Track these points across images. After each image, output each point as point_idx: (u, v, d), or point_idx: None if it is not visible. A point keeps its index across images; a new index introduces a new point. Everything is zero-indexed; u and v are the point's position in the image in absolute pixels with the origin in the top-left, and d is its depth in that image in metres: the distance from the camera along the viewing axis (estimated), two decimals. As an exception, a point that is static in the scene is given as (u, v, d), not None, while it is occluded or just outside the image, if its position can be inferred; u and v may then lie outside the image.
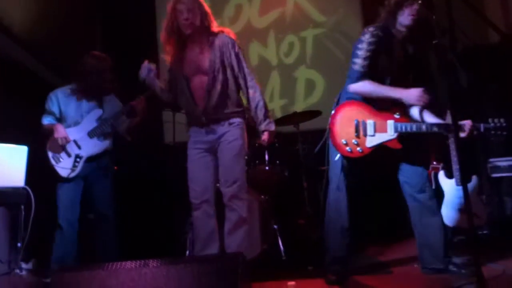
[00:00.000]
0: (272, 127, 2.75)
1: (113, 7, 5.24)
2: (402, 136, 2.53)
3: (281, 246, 3.38)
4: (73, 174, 3.18)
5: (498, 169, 3.85)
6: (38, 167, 2.93)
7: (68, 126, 3.25)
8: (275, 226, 3.42)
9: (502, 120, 2.48)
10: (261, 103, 2.69)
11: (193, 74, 2.65)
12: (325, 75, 5.19)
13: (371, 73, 2.54)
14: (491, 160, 3.93)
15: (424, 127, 2.49)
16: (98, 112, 3.30)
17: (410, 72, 2.63)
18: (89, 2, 5.15)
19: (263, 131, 2.74)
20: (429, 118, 2.60)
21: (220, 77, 2.62)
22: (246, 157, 3.68)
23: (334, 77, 4.93)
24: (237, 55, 2.66)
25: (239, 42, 2.73)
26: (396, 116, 2.53)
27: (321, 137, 3.08)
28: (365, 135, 2.53)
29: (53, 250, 3.12)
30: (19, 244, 2.50)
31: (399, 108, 2.56)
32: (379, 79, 2.55)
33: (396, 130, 2.50)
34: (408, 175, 2.66)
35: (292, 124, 4.02)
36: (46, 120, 3.27)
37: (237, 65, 2.67)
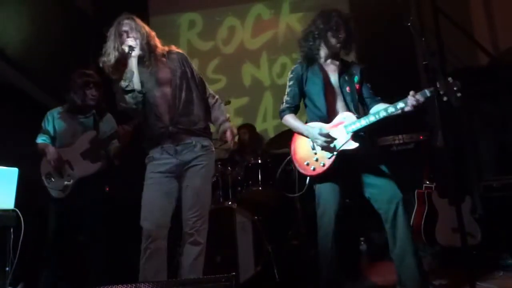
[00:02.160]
0: (235, 130, 2.69)
1: (107, 28, 5.27)
2: (357, 136, 2.56)
3: (275, 268, 3.33)
4: (64, 195, 3.15)
5: (491, 188, 3.86)
6: (28, 189, 2.89)
7: (62, 146, 3.24)
8: (269, 247, 3.38)
9: (449, 78, 2.31)
10: (223, 107, 2.77)
11: (153, 88, 2.53)
12: (317, 95, 5.23)
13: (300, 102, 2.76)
14: (484, 179, 3.94)
15: (371, 117, 2.50)
16: (92, 133, 3.28)
17: (340, 92, 2.69)
18: (82, 23, 5.19)
19: (226, 130, 2.64)
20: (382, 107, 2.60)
21: (184, 86, 2.56)
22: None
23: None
24: (194, 69, 2.70)
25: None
26: (343, 119, 2.59)
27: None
28: (322, 149, 2.57)
29: (44, 274, 3.06)
30: (7, 268, 2.44)
31: (345, 112, 2.63)
32: (315, 104, 2.68)
33: (347, 132, 2.55)
34: (378, 191, 2.56)
35: (285, 145, 4.02)
36: (40, 139, 3.27)
37: (197, 77, 2.69)
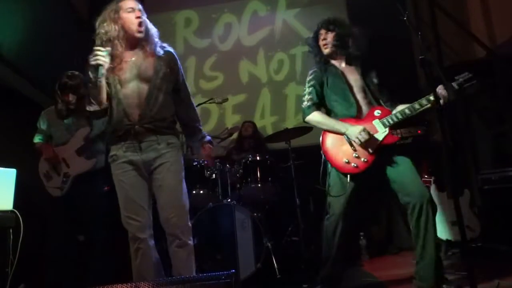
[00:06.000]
0: (213, 143, 2.67)
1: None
2: (394, 129, 2.57)
3: (275, 264, 3.34)
4: (62, 193, 3.16)
5: (489, 181, 3.87)
6: (27, 190, 2.89)
7: (57, 145, 3.25)
8: (269, 244, 3.38)
9: (466, 73, 2.52)
10: (200, 122, 2.66)
11: (131, 80, 2.39)
12: (315, 91, 5.23)
13: (323, 102, 2.76)
14: (482, 172, 3.96)
15: (407, 110, 2.54)
16: (85, 130, 3.28)
17: (363, 91, 2.71)
18: (78, 22, 5.17)
19: (205, 144, 2.61)
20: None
21: (164, 87, 2.43)
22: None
23: (324, 93, 4.98)
24: (182, 73, 2.58)
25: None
26: (377, 114, 2.60)
27: (313, 153, 3.09)
28: (361, 145, 2.56)
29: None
30: (7, 269, 2.44)
31: (377, 106, 2.64)
32: (343, 103, 2.68)
33: (385, 125, 2.56)
34: (406, 184, 2.55)
35: (283, 141, 4.02)
36: (37, 139, 3.31)
37: (182, 82, 2.57)
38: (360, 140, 2.50)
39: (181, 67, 2.58)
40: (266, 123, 5.30)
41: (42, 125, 3.33)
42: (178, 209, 2.39)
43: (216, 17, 5.67)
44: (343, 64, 2.80)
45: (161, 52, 2.48)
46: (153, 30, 2.50)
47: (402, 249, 4.23)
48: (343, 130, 2.59)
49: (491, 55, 4.35)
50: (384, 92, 2.74)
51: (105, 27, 2.39)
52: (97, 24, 2.43)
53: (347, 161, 2.57)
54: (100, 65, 2.26)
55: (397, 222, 4.46)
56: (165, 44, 2.55)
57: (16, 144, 3.62)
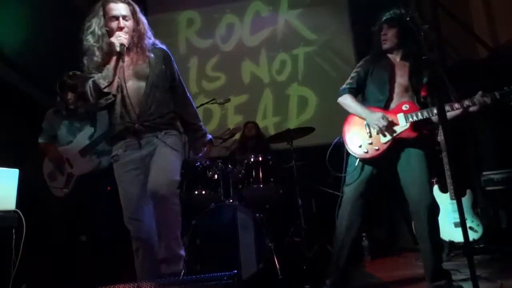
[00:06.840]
0: (211, 141, 2.73)
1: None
2: (417, 126, 2.56)
3: (277, 265, 3.33)
4: (65, 193, 3.17)
5: (492, 182, 3.86)
6: (29, 190, 2.90)
7: (61, 145, 3.26)
8: (271, 245, 3.38)
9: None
10: (199, 119, 2.66)
11: (128, 79, 2.39)
12: (317, 91, 5.23)
13: (361, 89, 2.77)
14: (484, 173, 3.94)
15: (435, 110, 2.50)
16: (90, 130, 3.29)
17: (405, 90, 2.67)
18: (80, 22, 5.18)
19: (206, 144, 2.67)
20: None
21: (160, 84, 2.43)
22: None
23: (326, 94, 4.98)
24: (177, 70, 2.57)
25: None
26: (405, 108, 2.60)
27: (315, 154, 3.10)
28: (377, 133, 2.60)
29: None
30: (9, 270, 2.45)
31: (407, 101, 2.63)
32: (377, 92, 2.69)
33: (407, 120, 2.57)
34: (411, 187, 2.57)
35: (285, 141, 4.02)
36: (41, 139, 3.32)
37: (178, 79, 2.56)
38: (378, 126, 2.55)
39: (175, 64, 2.58)
40: (268, 123, 5.29)
41: (47, 125, 3.34)
42: (167, 180, 2.30)
43: (218, 17, 5.67)
44: (398, 59, 2.73)
45: (155, 50, 2.48)
46: (147, 28, 2.47)
47: (404, 250, 4.23)
48: (364, 115, 2.65)
49: (494, 55, 4.34)
50: (432, 93, 2.66)
51: (92, 38, 2.42)
52: (85, 31, 2.47)
53: (360, 145, 2.64)
54: (123, 44, 2.32)
55: (399, 223, 4.46)
56: (157, 42, 2.54)
57: (18, 144, 3.63)
